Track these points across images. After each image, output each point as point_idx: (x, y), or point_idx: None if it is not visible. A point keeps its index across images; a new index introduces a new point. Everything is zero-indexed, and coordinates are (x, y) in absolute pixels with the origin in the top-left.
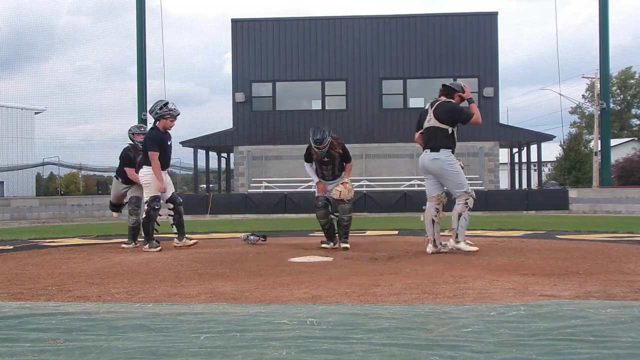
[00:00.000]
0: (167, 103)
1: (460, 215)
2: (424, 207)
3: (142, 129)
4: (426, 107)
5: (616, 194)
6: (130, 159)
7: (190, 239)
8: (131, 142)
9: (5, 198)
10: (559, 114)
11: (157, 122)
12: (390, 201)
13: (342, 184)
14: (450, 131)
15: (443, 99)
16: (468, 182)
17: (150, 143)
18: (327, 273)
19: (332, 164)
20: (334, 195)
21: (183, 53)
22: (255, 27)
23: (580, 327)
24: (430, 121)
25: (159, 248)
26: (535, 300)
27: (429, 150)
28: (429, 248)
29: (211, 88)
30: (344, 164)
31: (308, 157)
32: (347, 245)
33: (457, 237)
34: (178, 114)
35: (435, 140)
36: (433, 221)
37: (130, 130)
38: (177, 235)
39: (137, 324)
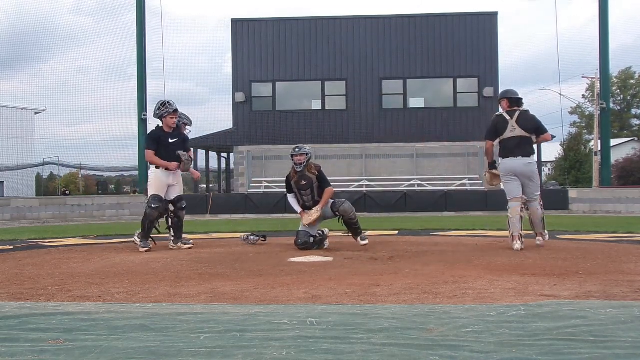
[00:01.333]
0: (163, 102)
1: (543, 218)
2: (508, 207)
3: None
4: (506, 118)
5: (616, 194)
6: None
7: (186, 244)
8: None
9: (5, 198)
10: (559, 114)
11: (162, 122)
12: (390, 201)
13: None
14: (534, 139)
15: (520, 109)
16: (468, 181)
17: (147, 141)
18: (327, 273)
19: (310, 187)
20: (306, 222)
21: (183, 53)
22: (255, 27)
23: (580, 327)
24: (515, 131)
25: (146, 249)
26: (535, 300)
27: (520, 156)
28: (517, 245)
29: (211, 88)
30: (324, 190)
31: (289, 188)
32: (366, 242)
33: (544, 236)
34: (174, 110)
35: (525, 148)
36: (521, 217)
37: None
38: (172, 238)
39: (137, 324)
